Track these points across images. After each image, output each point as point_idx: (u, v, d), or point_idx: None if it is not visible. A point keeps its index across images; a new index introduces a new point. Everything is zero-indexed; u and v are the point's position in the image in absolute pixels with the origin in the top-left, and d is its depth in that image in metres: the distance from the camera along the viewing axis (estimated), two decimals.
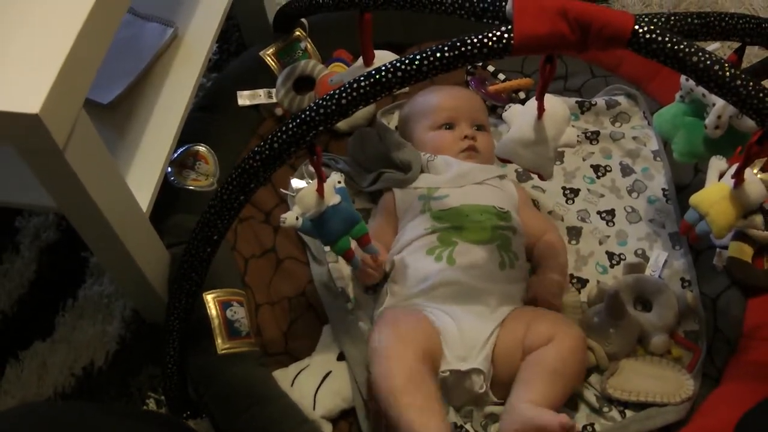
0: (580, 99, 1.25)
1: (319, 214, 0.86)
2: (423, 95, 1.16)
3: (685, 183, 1.15)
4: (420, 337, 0.90)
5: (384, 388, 0.86)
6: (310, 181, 0.87)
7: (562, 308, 1.02)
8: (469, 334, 0.93)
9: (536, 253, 1.05)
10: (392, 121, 1.24)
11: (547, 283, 1.00)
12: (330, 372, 0.95)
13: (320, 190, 0.85)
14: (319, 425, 0.92)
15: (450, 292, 0.96)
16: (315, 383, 0.94)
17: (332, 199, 0.87)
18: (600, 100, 1.24)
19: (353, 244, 0.91)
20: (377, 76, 0.71)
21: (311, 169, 0.84)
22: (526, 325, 0.93)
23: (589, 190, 1.17)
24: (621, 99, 1.24)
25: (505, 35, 0.70)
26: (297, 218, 0.87)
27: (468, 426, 0.93)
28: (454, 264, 0.96)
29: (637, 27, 0.69)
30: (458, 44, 0.70)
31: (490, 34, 0.70)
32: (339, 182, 0.90)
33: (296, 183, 1.09)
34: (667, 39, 0.68)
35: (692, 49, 0.68)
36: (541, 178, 0.97)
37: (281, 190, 1.03)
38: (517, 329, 0.93)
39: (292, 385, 0.94)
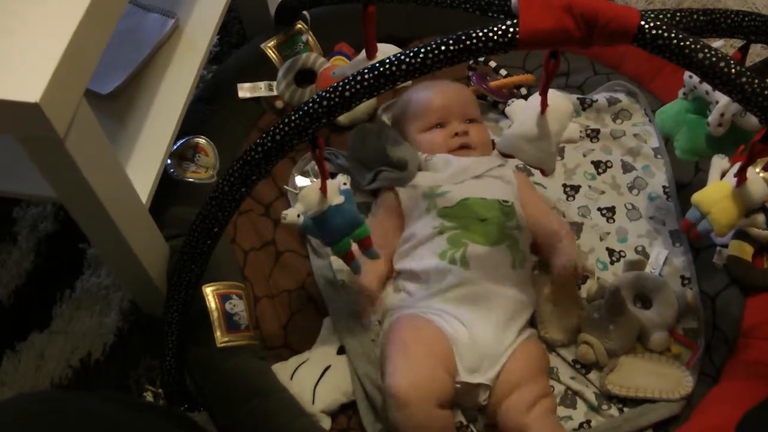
0: (581, 96, 1.24)
1: (321, 213, 0.86)
2: (412, 94, 1.15)
3: (686, 181, 1.15)
4: (438, 374, 0.88)
5: None
6: (314, 180, 0.86)
7: (560, 303, 1.01)
8: (481, 344, 0.92)
9: (541, 234, 1.05)
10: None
11: (561, 263, 0.99)
12: (330, 366, 0.95)
13: (323, 188, 0.84)
14: (318, 419, 0.92)
15: (465, 294, 0.95)
16: (314, 377, 0.94)
17: (335, 198, 0.86)
18: (601, 98, 1.24)
19: (354, 247, 0.90)
20: (381, 69, 0.70)
21: (317, 168, 0.84)
22: (516, 383, 0.92)
23: (590, 186, 1.17)
24: (622, 96, 1.24)
25: (511, 29, 0.69)
26: (298, 216, 0.86)
27: (473, 427, 0.93)
28: (468, 266, 0.96)
29: (643, 23, 0.68)
30: (463, 38, 0.69)
31: (496, 28, 0.69)
32: (344, 184, 0.89)
33: (300, 181, 1.08)
34: (672, 35, 0.68)
35: (698, 46, 0.68)
36: (544, 173, 0.97)
37: (284, 186, 1.03)
38: (513, 376, 0.92)
39: (291, 378, 0.94)
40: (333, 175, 1.14)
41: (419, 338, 0.92)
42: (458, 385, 0.91)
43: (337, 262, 1.05)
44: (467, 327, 0.93)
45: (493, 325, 0.94)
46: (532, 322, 1.01)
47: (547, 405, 0.91)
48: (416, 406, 0.86)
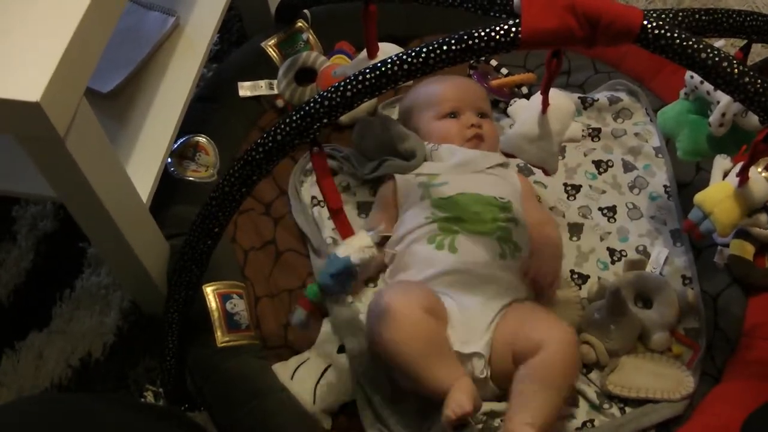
0: (582, 95, 1.24)
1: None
2: (425, 86, 1.16)
3: (687, 180, 1.15)
4: (424, 294, 0.91)
5: (402, 355, 0.86)
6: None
7: (560, 303, 1.01)
8: (471, 318, 0.93)
9: (532, 244, 1.04)
10: (393, 115, 1.23)
11: (540, 269, 0.99)
12: (330, 365, 0.95)
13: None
14: (318, 419, 0.92)
15: (453, 280, 0.96)
16: (315, 377, 0.94)
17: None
18: (602, 97, 1.23)
19: None
20: (383, 69, 0.70)
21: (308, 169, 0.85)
22: (518, 323, 0.91)
23: (590, 186, 1.17)
24: (623, 95, 1.24)
25: (513, 29, 0.69)
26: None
27: (469, 418, 0.92)
28: (456, 252, 0.96)
29: (645, 22, 0.68)
30: (465, 37, 0.69)
31: (498, 28, 0.69)
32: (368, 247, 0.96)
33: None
34: (675, 35, 0.68)
35: (701, 46, 0.68)
36: (546, 173, 0.97)
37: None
38: (509, 326, 0.92)
39: (291, 378, 0.94)
40: (333, 173, 1.15)
41: (408, 283, 0.94)
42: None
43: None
44: (455, 301, 0.94)
45: (478, 299, 0.94)
46: None
47: (564, 335, 0.89)
48: (401, 308, 0.86)
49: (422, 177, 1.06)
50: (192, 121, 1.09)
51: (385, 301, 0.88)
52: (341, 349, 0.97)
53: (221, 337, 0.93)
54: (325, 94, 0.72)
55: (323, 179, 0.87)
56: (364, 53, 0.98)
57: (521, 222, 1.02)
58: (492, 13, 0.78)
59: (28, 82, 0.66)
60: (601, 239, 1.12)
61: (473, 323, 0.93)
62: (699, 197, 0.89)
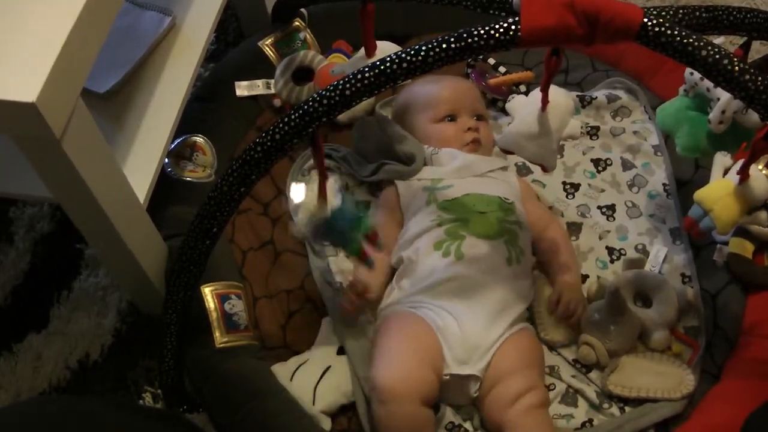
0: (580, 93, 1.24)
1: (324, 219, 0.85)
2: (420, 86, 1.15)
3: (686, 178, 1.14)
4: (423, 372, 0.88)
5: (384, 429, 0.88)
6: (305, 185, 0.86)
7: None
8: (471, 336, 0.92)
9: (542, 250, 1.04)
10: (391, 114, 1.23)
11: (564, 304, 0.99)
12: (330, 366, 0.95)
13: (322, 192, 0.83)
14: (318, 420, 0.91)
15: (456, 287, 0.95)
16: (315, 378, 0.93)
17: (334, 200, 0.85)
18: (601, 95, 1.23)
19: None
20: (382, 67, 0.70)
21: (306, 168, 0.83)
22: (510, 365, 0.91)
23: (589, 185, 1.16)
24: (621, 93, 1.24)
25: (512, 27, 0.69)
26: (306, 225, 0.85)
27: (467, 425, 0.92)
28: (462, 258, 0.95)
29: (646, 20, 0.68)
30: (465, 35, 0.69)
31: (497, 26, 0.68)
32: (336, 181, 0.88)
33: (295, 189, 1.06)
34: (676, 32, 0.68)
35: (701, 43, 0.68)
36: (545, 170, 0.96)
37: (284, 205, 1.00)
38: (503, 366, 0.91)
39: (291, 379, 0.93)
40: (330, 173, 1.14)
41: (407, 335, 0.92)
42: (447, 377, 0.90)
43: (335, 265, 1.04)
44: (457, 319, 0.93)
45: (482, 316, 0.93)
46: (530, 320, 1.00)
47: (532, 400, 0.88)
48: (399, 402, 0.85)
49: (426, 181, 1.05)
50: (189, 121, 1.09)
51: (382, 381, 0.86)
52: (341, 350, 0.97)
53: (220, 338, 0.93)
54: (323, 92, 0.71)
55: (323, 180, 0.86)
56: (362, 52, 0.98)
57: (525, 225, 1.02)
58: (491, 11, 0.78)
59: (24, 83, 0.66)
60: (600, 238, 1.11)
61: (474, 341, 0.92)
62: (699, 194, 0.89)
